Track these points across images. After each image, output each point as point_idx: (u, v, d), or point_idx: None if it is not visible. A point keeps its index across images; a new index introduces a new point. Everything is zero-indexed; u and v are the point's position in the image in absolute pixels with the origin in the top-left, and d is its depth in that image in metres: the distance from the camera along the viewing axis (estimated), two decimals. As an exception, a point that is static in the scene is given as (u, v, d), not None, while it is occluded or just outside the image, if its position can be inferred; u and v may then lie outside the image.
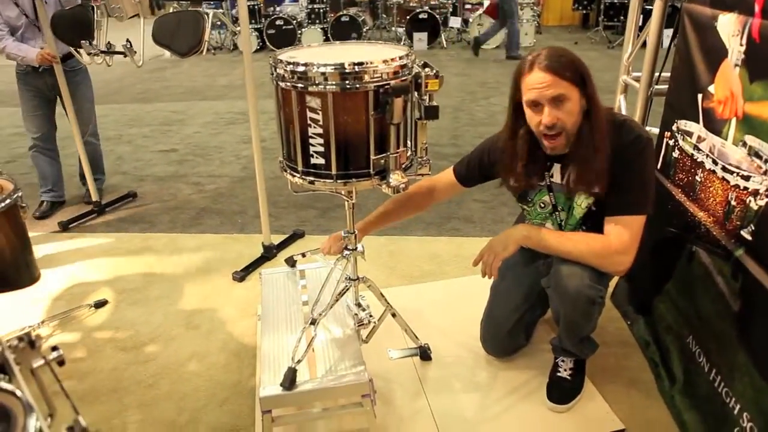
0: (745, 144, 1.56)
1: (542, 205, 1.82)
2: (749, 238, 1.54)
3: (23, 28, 3.14)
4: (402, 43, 9.20)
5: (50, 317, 2.37)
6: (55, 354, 1.03)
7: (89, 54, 2.81)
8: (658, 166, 2.13)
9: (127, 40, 2.70)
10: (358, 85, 1.39)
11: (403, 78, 1.45)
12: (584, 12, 10.60)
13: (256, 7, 9.37)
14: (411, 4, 9.29)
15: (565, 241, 1.69)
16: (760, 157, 1.49)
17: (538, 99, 1.55)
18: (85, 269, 2.82)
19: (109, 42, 2.82)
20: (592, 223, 1.72)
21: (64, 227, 3.25)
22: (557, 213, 1.80)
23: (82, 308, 2.45)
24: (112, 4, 2.58)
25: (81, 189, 3.67)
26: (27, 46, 3.11)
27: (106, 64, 2.83)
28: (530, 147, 1.69)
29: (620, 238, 1.62)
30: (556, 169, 1.74)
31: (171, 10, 2.60)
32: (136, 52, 2.74)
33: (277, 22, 9.08)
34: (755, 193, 1.51)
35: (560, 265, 1.70)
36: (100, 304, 2.48)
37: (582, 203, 1.73)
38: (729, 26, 1.64)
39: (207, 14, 2.46)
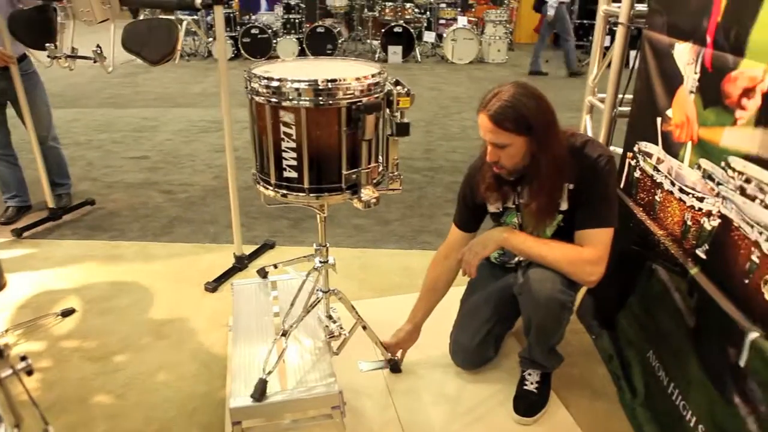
0: (699, 167, 1.64)
1: (514, 226, 1.89)
2: (704, 257, 1.61)
3: None
4: (377, 56, 9.31)
5: (15, 326, 2.33)
6: (23, 364, 1.03)
7: (53, 57, 2.73)
8: (622, 185, 2.21)
9: (98, 46, 2.64)
10: (331, 102, 1.43)
11: (376, 95, 1.49)
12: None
13: (231, 15, 9.36)
14: (386, 18, 9.40)
15: (541, 245, 1.76)
16: (713, 180, 1.57)
17: (484, 138, 1.68)
18: (53, 277, 2.78)
19: (73, 46, 2.75)
20: (562, 238, 1.79)
21: (19, 234, 3.18)
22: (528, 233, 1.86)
23: (49, 317, 2.41)
24: (80, 7, 2.51)
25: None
26: None
27: (69, 68, 2.76)
28: None
29: (591, 249, 1.70)
30: (526, 191, 1.81)
31: (141, 17, 2.58)
32: (105, 58, 2.69)
33: (253, 31, 9.08)
34: (708, 214, 1.59)
35: (531, 272, 1.76)
36: (67, 313, 2.44)
37: (551, 223, 1.80)
38: (684, 55, 1.73)
39: (180, 22, 2.46)
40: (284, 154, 1.49)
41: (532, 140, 1.63)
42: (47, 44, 2.66)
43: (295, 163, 1.49)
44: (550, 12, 7.97)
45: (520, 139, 1.63)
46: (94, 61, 2.66)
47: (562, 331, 1.85)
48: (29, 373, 1.01)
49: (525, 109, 1.60)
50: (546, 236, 1.83)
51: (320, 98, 1.42)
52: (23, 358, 1.01)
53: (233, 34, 9.25)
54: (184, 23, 2.43)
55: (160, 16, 2.49)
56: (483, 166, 1.82)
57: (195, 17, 9.28)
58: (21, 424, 1.02)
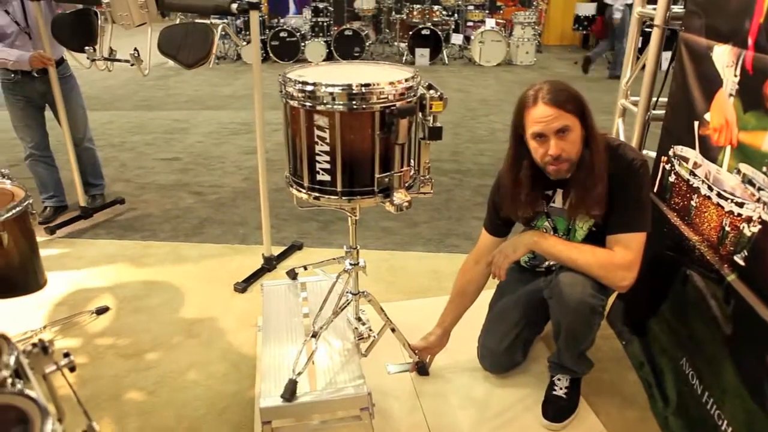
0: (739, 171, 1.61)
1: (545, 230, 1.87)
2: (742, 263, 1.58)
3: (13, 36, 3.06)
4: (404, 58, 9.32)
5: (52, 323, 2.39)
6: (66, 360, 1.06)
7: (92, 60, 2.80)
8: (655, 190, 2.18)
9: (135, 49, 2.72)
10: (364, 106, 1.44)
11: (409, 99, 1.50)
12: (584, 33, 10.72)
13: (260, 18, 9.47)
14: (414, 20, 9.40)
15: (572, 248, 1.74)
16: (753, 185, 1.53)
17: (543, 131, 1.62)
18: (87, 276, 2.84)
19: (111, 48, 2.83)
20: (594, 244, 1.77)
21: (52, 232, 3.28)
22: (559, 236, 1.84)
23: (84, 314, 2.47)
24: (119, 11, 2.57)
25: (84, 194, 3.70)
26: (18, 51, 3.04)
27: (108, 69, 2.84)
28: (533, 175, 1.75)
29: (623, 253, 1.68)
30: (559, 194, 1.80)
31: (177, 21, 2.62)
32: (142, 61, 2.76)
33: (281, 34, 9.17)
34: (748, 220, 1.55)
35: (562, 276, 1.74)
36: (101, 311, 2.50)
37: (583, 225, 1.79)
38: (724, 57, 1.70)
39: (216, 26, 2.49)
40: (318, 158, 1.50)
41: (584, 126, 1.64)
42: (87, 47, 2.74)
43: (328, 166, 1.50)
44: (617, 15, 7.87)
45: (578, 123, 1.63)
46: (131, 64, 2.72)
47: (593, 336, 1.82)
48: (72, 369, 1.04)
49: (575, 92, 1.63)
50: (577, 241, 1.82)
51: (354, 102, 1.43)
52: (66, 355, 1.04)
53: (262, 38, 9.35)
54: (220, 27, 2.47)
55: (196, 20, 2.53)
56: (512, 183, 1.77)
57: (226, 21, 9.43)
58: (63, 418, 1.05)
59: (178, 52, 2.43)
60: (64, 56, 3.19)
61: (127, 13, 2.55)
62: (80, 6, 2.81)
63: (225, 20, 9.50)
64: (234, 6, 2.34)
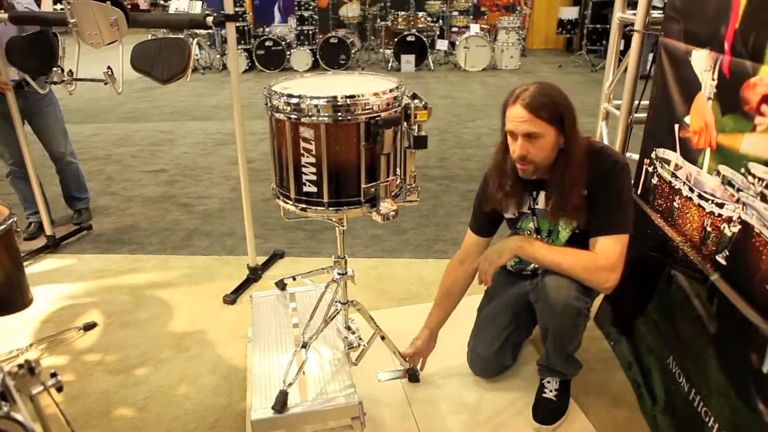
0: (719, 173, 1.64)
1: (529, 232, 1.90)
2: (724, 263, 1.60)
3: None
4: (390, 65, 9.35)
5: (38, 340, 2.37)
6: (53, 380, 1.06)
7: (59, 82, 2.69)
8: (639, 192, 2.21)
9: (108, 67, 2.62)
10: (350, 117, 1.45)
11: (394, 110, 1.51)
12: (568, 36, 10.84)
13: (245, 28, 9.48)
14: (399, 27, 9.45)
15: (556, 252, 1.76)
16: (732, 186, 1.56)
17: (514, 131, 1.67)
18: (74, 291, 2.82)
19: (70, 69, 2.71)
20: (577, 246, 1.79)
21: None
22: (542, 238, 1.87)
23: (71, 331, 2.45)
24: (87, 30, 2.45)
25: (68, 209, 3.67)
26: None
27: (69, 93, 2.73)
28: (517, 171, 1.79)
29: (606, 255, 1.70)
30: (542, 195, 1.82)
31: (150, 37, 2.57)
32: (116, 79, 2.64)
33: (267, 43, 9.18)
34: (729, 220, 1.58)
35: (547, 279, 1.77)
36: (89, 327, 2.48)
37: (566, 227, 1.82)
38: (702, 61, 1.73)
39: (194, 37, 2.47)
40: (304, 169, 1.51)
41: (562, 134, 1.67)
42: (54, 69, 2.64)
43: (314, 177, 1.51)
44: None
45: (552, 131, 1.65)
46: (105, 83, 2.62)
47: (580, 338, 1.84)
48: (59, 389, 1.03)
49: (558, 100, 1.65)
50: (561, 243, 1.84)
51: (339, 114, 1.44)
52: (53, 375, 1.03)
53: (247, 47, 9.37)
54: (196, 39, 2.46)
55: (169, 35, 2.48)
56: (498, 172, 1.83)
57: (208, 32, 9.41)
58: (51, 438, 1.04)
59: (153, 68, 2.38)
60: (28, 79, 3.03)
61: (97, 32, 2.46)
62: (39, 28, 2.68)
63: (206, 31, 9.51)
64: (209, 19, 2.32)
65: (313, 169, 1.50)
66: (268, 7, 10.77)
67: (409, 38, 9.18)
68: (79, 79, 2.73)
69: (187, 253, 3.21)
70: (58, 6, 2.64)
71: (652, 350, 2.01)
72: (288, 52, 9.22)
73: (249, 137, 5.48)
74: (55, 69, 2.67)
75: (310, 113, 1.45)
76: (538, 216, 1.86)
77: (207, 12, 2.37)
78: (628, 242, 1.72)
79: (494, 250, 1.82)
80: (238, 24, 9.38)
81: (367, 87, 1.52)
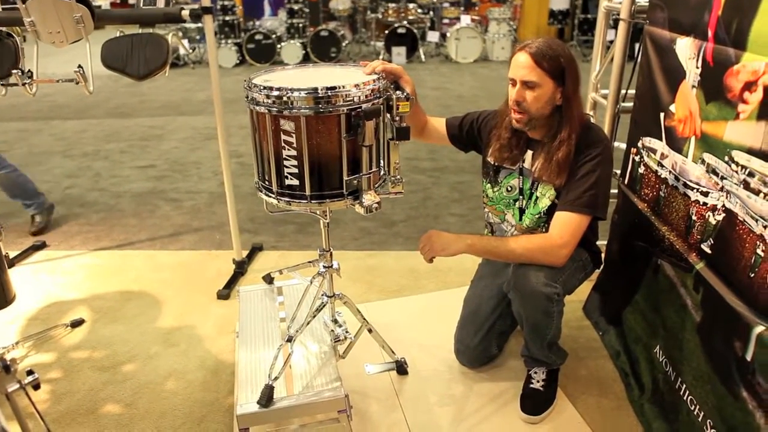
0: (703, 161, 1.63)
1: (509, 189, 1.91)
2: (709, 251, 1.60)
3: None
4: (381, 57, 9.31)
5: (25, 338, 2.35)
6: (30, 378, 1.04)
7: (21, 84, 2.49)
8: (626, 182, 2.20)
9: (80, 66, 2.46)
10: (330, 109, 1.43)
11: (375, 101, 1.49)
12: (559, 27, 10.81)
13: (235, 21, 9.41)
14: (389, 19, 9.40)
15: (508, 241, 1.79)
16: (716, 174, 1.56)
17: (513, 77, 1.71)
18: (61, 287, 2.80)
19: (30, 71, 2.54)
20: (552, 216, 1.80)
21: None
22: (522, 199, 1.88)
23: (58, 328, 2.43)
24: (48, 29, 2.29)
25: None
26: None
27: (32, 95, 2.56)
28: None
29: (561, 233, 1.72)
30: (529, 155, 1.84)
31: (118, 34, 2.40)
32: (87, 79, 2.47)
33: (257, 37, 9.12)
34: (713, 209, 1.58)
35: (515, 268, 1.78)
36: (76, 323, 2.46)
37: (546, 193, 1.82)
38: (686, 49, 1.72)
39: (167, 35, 2.39)
40: (285, 162, 1.50)
41: (560, 91, 1.69)
42: (14, 71, 2.47)
43: (296, 170, 1.49)
44: None
45: (551, 84, 1.67)
46: (76, 83, 2.48)
47: (557, 324, 1.83)
48: (36, 387, 1.02)
49: (564, 57, 1.67)
50: (539, 210, 1.84)
51: (320, 106, 1.43)
52: (30, 372, 1.02)
53: (238, 41, 9.31)
54: (170, 36, 2.38)
55: (141, 31, 2.39)
56: (501, 121, 1.85)
57: (197, 26, 9.33)
58: (29, 437, 1.03)
59: (126, 65, 2.31)
60: None
61: (60, 31, 2.31)
62: None
63: (189, 27, 9.35)
64: (185, 13, 2.27)
65: (295, 162, 1.48)
66: (257, 1, 10.70)
67: (399, 30, 9.14)
68: (44, 81, 2.61)
69: (175, 248, 3.19)
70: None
71: (640, 339, 2.01)
72: (278, 46, 9.17)
73: (239, 131, 5.45)
74: (15, 71, 2.48)
75: (290, 106, 1.43)
76: (524, 175, 1.87)
77: (181, 6, 2.32)
78: (587, 224, 1.74)
79: (441, 241, 1.79)
80: (227, 17, 9.32)
81: (349, 79, 1.51)
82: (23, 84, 2.50)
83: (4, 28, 2.48)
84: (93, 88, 2.46)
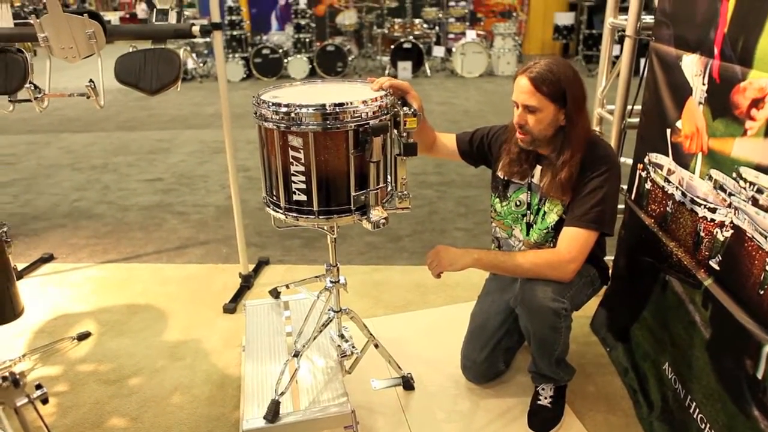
0: (710, 178, 1.63)
1: (518, 204, 1.91)
2: (717, 268, 1.59)
3: None
4: (387, 72, 9.36)
5: (31, 351, 2.36)
6: (39, 392, 1.05)
7: (33, 99, 2.54)
8: (633, 197, 2.20)
9: (91, 80, 2.50)
10: (338, 125, 1.45)
11: (382, 117, 1.50)
12: (564, 42, 10.85)
13: (243, 36, 9.50)
14: (395, 34, 9.47)
15: (516, 256, 1.78)
16: (724, 191, 1.56)
17: (516, 100, 1.72)
18: (68, 300, 2.81)
19: (35, 85, 2.57)
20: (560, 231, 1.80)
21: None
22: (530, 214, 1.88)
23: (65, 341, 2.44)
24: (61, 45, 2.31)
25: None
26: None
27: (40, 111, 2.60)
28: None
29: (569, 248, 1.72)
30: (538, 170, 1.84)
31: (130, 49, 2.42)
32: (98, 94, 2.51)
33: (264, 51, 9.19)
34: (721, 225, 1.57)
35: (522, 283, 1.78)
36: (82, 337, 2.47)
37: (553, 209, 1.81)
38: (692, 66, 1.73)
39: (187, 48, 2.43)
40: (293, 178, 1.50)
41: (563, 112, 1.69)
42: (26, 86, 2.51)
43: (304, 186, 1.50)
44: None
45: (551, 107, 1.68)
46: (87, 97, 2.51)
47: (564, 340, 1.82)
48: (44, 401, 1.02)
49: (565, 80, 1.66)
50: (546, 225, 1.83)
51: (328, 122, 1.44)
52: (38, 387, 1.02)
53: (245, 55, 9.38)
54: (181, 51, 2.40)
55: (153, 47, 2.42)
56: (511, 136, 1.86)
57: (205, 41, 9.42)
58: (37, 451, 1.03)
59: (139, 80, 2.34)
60: None
61: (72, 46, 2.33)
62: None
63: (197, 41, 9.43)
64: (195, 29, 2.30)
65: (303, 178, 1.49)
66: (265, 15, 10.81)
67: (405, 45, 9.19)
68: (56, 95, 2.64)
69: (182, 262, 3.20)
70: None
71: (648, 356, 2.00)
72: (285, 60, 9.24)
73: (246, 145, 5.48)
74: (27, 86, 2.52)
75: (298, 122, 1.44)
76: (533, 190, 1.87)
77: (191, 21, 2.35)
78: (594, 240, 1.74)
79: (449, 256, 1.80)
80: (235, 32, 9.41)
81: (356, 95, 1.52)
82: (35, 98, 2.53)
83: (15, 44, 2.50)
84: (104, 102, 2.48)
